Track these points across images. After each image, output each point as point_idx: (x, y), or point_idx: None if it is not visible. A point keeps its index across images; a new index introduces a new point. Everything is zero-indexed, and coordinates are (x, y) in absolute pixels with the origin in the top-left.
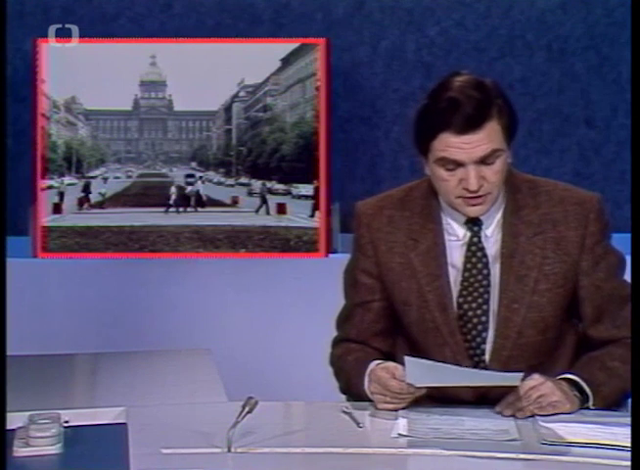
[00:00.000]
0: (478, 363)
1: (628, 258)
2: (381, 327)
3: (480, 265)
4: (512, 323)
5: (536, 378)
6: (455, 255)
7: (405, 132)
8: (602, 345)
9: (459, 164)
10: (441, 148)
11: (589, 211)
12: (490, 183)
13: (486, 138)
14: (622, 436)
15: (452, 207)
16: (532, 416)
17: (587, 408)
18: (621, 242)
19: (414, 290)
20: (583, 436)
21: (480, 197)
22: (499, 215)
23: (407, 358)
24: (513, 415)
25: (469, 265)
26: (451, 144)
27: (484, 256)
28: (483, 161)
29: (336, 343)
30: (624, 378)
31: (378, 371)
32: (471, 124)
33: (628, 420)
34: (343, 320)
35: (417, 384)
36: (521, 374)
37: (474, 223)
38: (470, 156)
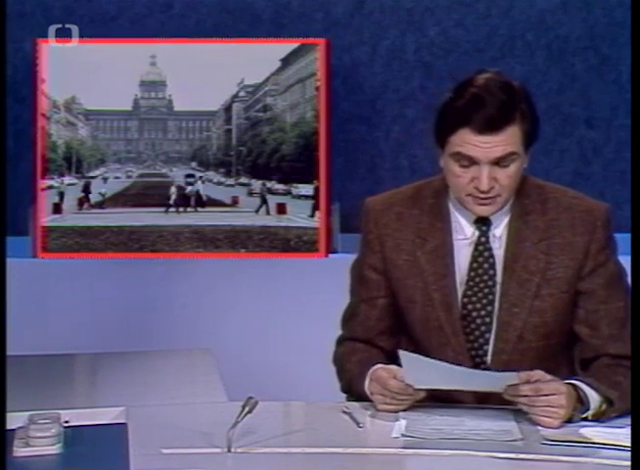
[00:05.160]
0: (479, 364)
1: (628, 258)
2: (386, 325)
3: (486, 265)
4: (512, 327)
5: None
6: (462, 254)
7: (405, 132)
8: (592, 351)
9: (473, 162)
10: (459, 143)
11: (596, 219)
12: (502, 185)
13: (505, 141)
14: (622, 436)
15: (461, 203)
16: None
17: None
18: (621, 242)
19: (419, 288)
20: (583, 436)
21: (490, 198)
22: (508, 219)
23: (402, 353)
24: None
25: (475, 265)
26: (469, 141)
27: (491, 256)
28: (498, 162)
29: (340, 341)
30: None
31: (379, 371)
32: (492, 125)
33: (628, 420)
34: (349, 318)
35: (416, 385)
36: (516, 373)
37: (483, 223)
38: (486, 155)
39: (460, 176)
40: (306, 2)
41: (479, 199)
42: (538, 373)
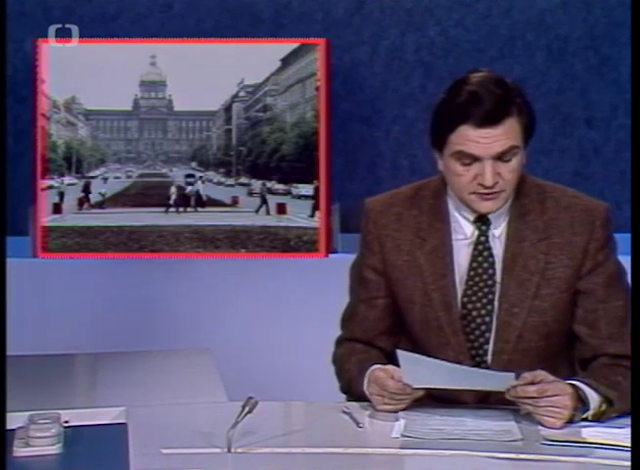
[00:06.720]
0: (479, 364)
1: (628, 258)
2: (385, 325)
3: (485, 265)
4: (512, 327)
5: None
6: (461, 254)
7: (405, 132)
8: (591, 350)
9: (475, 159)
10: (459, 141)
11: (596, 218)
12: (505, 180)
13: (505, 134)
14: (622, 436)
15: (464, 203)
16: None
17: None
18: (621, 242)
19: (419, 288)
20: (583, 436)
21: (494, 193)
22: (507, 218)
23: (400, 352)
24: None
25: (474, 264)
26: (470, 137)
27: (491, 255)
28: (500, 157)
29: (339, 342)
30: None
31: (376, 372)
32: (491, 118)
33: (628, 420)
34: (348, 318)
35: (414, 385)
36: (514, 374)
37: (482, 222)
38: (487, 151)
39: (462, 175)
40: (306, 2)
41: (483, 195)
42: (542, 373)
